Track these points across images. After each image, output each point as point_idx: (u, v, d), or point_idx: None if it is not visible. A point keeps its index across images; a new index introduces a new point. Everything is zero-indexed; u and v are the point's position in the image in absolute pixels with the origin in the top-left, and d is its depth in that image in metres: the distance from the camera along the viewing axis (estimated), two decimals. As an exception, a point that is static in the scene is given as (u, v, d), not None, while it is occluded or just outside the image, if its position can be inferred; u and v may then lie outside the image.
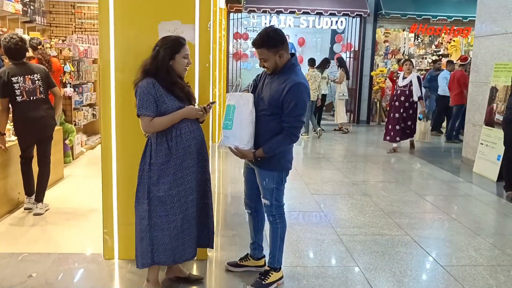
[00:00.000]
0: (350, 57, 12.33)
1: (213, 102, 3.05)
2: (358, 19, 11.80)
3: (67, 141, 6.45)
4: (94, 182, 3.48)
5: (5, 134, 4.28)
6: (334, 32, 12.99)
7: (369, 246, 3.87)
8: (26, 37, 8.46)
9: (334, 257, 3.67)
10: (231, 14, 11.88)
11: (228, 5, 11.30)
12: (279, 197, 3.02)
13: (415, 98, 7.73)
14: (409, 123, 7.92)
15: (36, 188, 4.42)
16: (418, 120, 8.00)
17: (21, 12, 9.91)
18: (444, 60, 12.74)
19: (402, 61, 8.56)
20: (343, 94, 10.33)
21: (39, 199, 4.39)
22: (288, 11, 11.30)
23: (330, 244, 3.91)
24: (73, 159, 6.69)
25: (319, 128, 9.92)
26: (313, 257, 3.66)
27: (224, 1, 10.17)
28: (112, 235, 3.37)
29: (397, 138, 7.94)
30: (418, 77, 7.85)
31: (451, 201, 5.42)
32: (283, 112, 2.80)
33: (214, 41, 7.90)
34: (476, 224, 4.51)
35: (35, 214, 4.31)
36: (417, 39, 13.61)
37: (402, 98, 7.80)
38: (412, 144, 8.37)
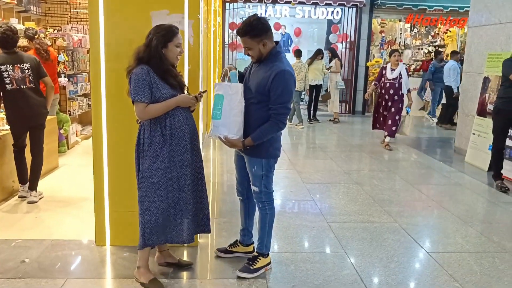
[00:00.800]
0: (346, 48, 12.33)
1: (204, 91, 3.09)
2: (354, 9, 11.79)
3: (62, 131, 6.48)
4: (89, 171, 3.52)
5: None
6: (330, 22, 12.98)
7: (357, 233, 3.94)
8: (21, 27, 8.47)
9: (322, 243, 3.74)
10: (227, 4, 11.85)
11: (224, -5, 11.29)
12: (268, 184, 3.08)
13: (405, 91, 7.39)
14: (397, 117, 7.47)
15: (29, 176, 4.47)
16: (406, 114, 7.57)
17: (15, 2, 9.87)
18: (441, 50, 12.77)
19: (389, 51, 8.19)
20: (339, 84, 10.39)
21: (33, 187, 4.44)
22: (283, 1, 11.29)
23: (319, 231, 3.97)
24: (68, 149, 6.73)
25: (308, 119, 10.35)
26: (302, 244, 3.72)
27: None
28: (103, 222, 3.43)
29: (390, 131, 7.52)
30: (406, 68, 7.65)
31: (442, 190, 5.48)
32: (270, 100, 2.85)
33: (209, 31, 7.91)
34: (465, 212, 4.58)
35: (29, 202, 4.36)
36: (414, 30, 13.61)
37: (391, 91, 7.41)
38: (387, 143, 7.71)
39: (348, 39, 12.24)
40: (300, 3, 11.40)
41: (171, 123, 2.76)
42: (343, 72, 12.35)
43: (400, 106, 7.41)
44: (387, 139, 7.60)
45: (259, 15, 3.01)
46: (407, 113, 7.52)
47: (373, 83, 7.85)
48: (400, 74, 7.31)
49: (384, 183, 5.57)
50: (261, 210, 3.11)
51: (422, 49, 13.38)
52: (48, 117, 5.64)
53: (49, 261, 3.20)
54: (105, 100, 3.24)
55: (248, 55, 2.94)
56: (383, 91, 7.52)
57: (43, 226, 3.89)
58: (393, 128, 7.46)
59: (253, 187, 3.08)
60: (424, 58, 12.80)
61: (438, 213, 4.57)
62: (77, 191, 4.79)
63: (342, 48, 12.37)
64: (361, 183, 5.49)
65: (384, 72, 7.55)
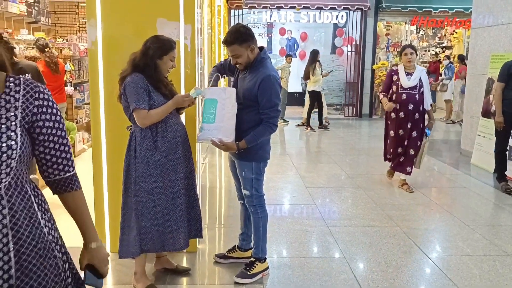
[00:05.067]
0: (351, 51, 12.33)
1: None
2: (359, 12, 11.79)
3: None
4: (93, 178, 3.58)
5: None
6: (335, 26, 13.00)
7: (357, 238, 3.93)
8: (32, 38, 8.64)
9: (321, 248, 3.74)
10: (232, 11, 11.94)
11: (229, 2, 11.36)
12: (258, 187, 3.11)
13: (427, 106, 5.16)
14: (418, 143, 5.23)
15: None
16: (424, 138, 5.25)
17: (25, 13, 10.07)
18: (448, 52, 12.72)
19: (400, 49, 5.66)
20: (323, 88, 10.27)
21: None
22: (288, 6, 11.34)
23: (319, 235, 3.98)
24: (75, 156, 6.82)
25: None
26: (301, 249, 3.72)
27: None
28: (103, 229, 3.47)
29: (408, 168, 5.29)
30: (426, 73, 5.38)
31: (446, 192, 5.44)
32: (258, 104, 2.91)
33: (213, 40, 7.98)
34: (468, 215, 4.55)
35: None
36: (420, 32, 13.56)
37: (411, 106, 5.10)
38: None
39: (353, 43, 12.24)
40: (304, 8, 11.43)
41: (163, 129, 2.80)
42: (349, 75, 12.38)
43: (422, 126, 5.21)
44: (403, 176, 5.43)
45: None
46: (426, 136, 5.25)
47: (381, 95, 5.42)
48: (420, 80, 5.09)
49: (387, 186, 5.54)
50: (253, 214, 3.14)
51: (428, 50, 13.32)
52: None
53: (49, 268, 3.25)
54: (103, 107, 3.30)
55: (236, 63, 2.97)
56: (398, 106, 5.18)
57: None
58: (410, 165, 5.29)
59: (244, 191, 3.11)
60: (431, 60, 12.74)
61: (441, 216, 4.54)
62: (81, 198, 4.85)
63: (347, 51, 12.37)
64: (364, 187, 5.48)
65: (395, 77, 5.22)
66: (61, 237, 1.51)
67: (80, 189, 1.53)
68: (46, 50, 6.19)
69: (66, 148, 1.44)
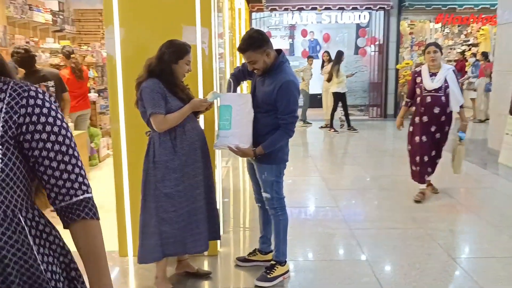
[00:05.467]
0: (375, 51, 12.18)
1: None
2: (382, 12, 11.64)
3: (92, 144, 6.72)
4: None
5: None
6: (358, 27, 12.87)
7: (380, 240, 3.87)
8: (57, 46, 8.88)
9: (343, 250, 3.70)
10: (253, 14, 11.97)
11: (250, 5, 11.40)
12: (279, 189, 3.10)
13: (455, 108, 4.66)
14: (445, 146, 4.93)
15: None
16: (458, 142, 4.85)
17: (51, 22, 10.36)
18: (474, 49, 12.42)
19: (424, 47, 5.21)
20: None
21: None
22: (309, 8, 11.30)
23: (341, 238, 3.94)
24: (99, 162, 6.96)
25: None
26: (323, 251, 3.69)
27: (245, 1, 10.28)
28: (125, 234, 3.53)
29: (426, 176, 4.93)
30: (454, 71, 4.78)
31: (473, 193, 5.31)
32: (276, 109, 2.89)
33: (234, 43, 8.01)
34: (495, 216, 4.41)
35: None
36: (445, 30, 13.28)
37: (436, 110, 4.64)
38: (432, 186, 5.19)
39: (376, 42, 12.09)
40: (326, 8, 11.37)
41: (182, 133, 2.83)
42: (373, 76, 12.23)
43: (447, 130, 4.80)
44: (421, 185, 4.96)
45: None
46: (460, 140, 4.83)
47: (403, 103, 5.17)
48: (446, 80, 4.63)
49: (412, 188, 5.43)
50: (274, 217, 3.13)
51: (454, 49, 13.04)
52: (78, 132, 5.89)
53: (74, 271, 3.32)
54: (123, 113, 3.36)
55: (254, 69, 2.97)
56: (422, 110, 4.73)
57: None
58: (429, 170, 4.89)
59: (264, 194, 3.10)
60: (457, 58, 12.46)
61: (466, 217, 4.43)
62: (106, 202, 4.87)
63: (371, 51, 12.23)
64: (388, 189, 5.39)
65: (418, 79, 4.78)
66: (69, 263, 1.24)
67: (96, 219, 1.19)
68: (72, 56, 6.36)
69: (70, 167, 1.13)
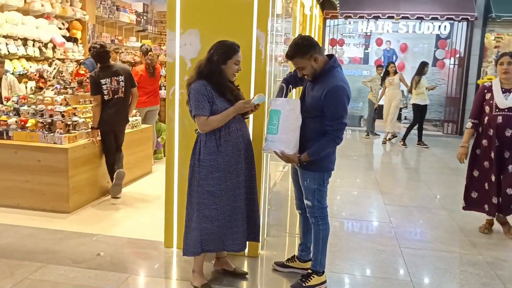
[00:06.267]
0: (454, 64, 11.54)
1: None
2: (465, 23, 11.01)
3: (159, 139, 7.02)
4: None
5: (98, 128, 4.83)
6: (438, 37, 12.29)
7: (430, 262, 3.66)
8: (139, 44, 9.45)
9: (388, 269, 3.53)
10: (327, 21, 11.86)
11: (324, 12, 11.31)
12: (321, 198, 3.03)
13: None
14: None
15: (115, 165, 4.94)
16: None
17: (135, 22, 11.00)
18: None
19: (496, 58, 4.56)
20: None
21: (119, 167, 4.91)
22: (386, 16, 10.96)
23: (388, 255, 3.76)
24: (164, 156, 7.22)
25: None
26: (366, 267, 3.56)
27: (319, 7, 10.22)
28: (172, 226, 3.64)
29: (494, 208, 4.21)
30: None
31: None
32: (324, 114, 2.83)
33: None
34: None
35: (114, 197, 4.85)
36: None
37: (509, 133, 4.05)
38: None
39: (457, 55, 11.45)
40: (403, 18, 10.96)
41: (226, 133, 2.87)
42: (450, 90, 11.60)
43: None
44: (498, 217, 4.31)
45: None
46: None
47: (467, 123, 4.38)
48: None
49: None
50: (314, 226, 3.06)
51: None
52: (145, 126, 6.19)
53: (120, 256, 3.49)
54: (178, 111, 3.48)
55: (303, 76, 2.94)
56: (490, 132, 4.13)
57: (125, 224, 4.24)
58: (496, 201, 4.17)
59: (305, 201, 3.05)
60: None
61: (534, 249, 4.04)
62: (163, 195, 5.13)
63: (449, 64, 11.61)
64: (450, 209, 5.08)
65: (488, 95, 4.17)
66: None
67: None
68: (149, 53, 6.71)
69: None
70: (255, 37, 3.32)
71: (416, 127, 9.37)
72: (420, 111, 9.13)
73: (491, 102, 4.13)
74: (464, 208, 4.48)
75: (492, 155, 4.13)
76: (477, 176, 4.33)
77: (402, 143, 9.21)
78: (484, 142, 4.19)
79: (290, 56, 2.88)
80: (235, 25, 3.33)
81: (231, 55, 2.85)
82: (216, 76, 2.85)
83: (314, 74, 2.89)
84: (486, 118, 4.18)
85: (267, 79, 3.43)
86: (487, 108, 4.18)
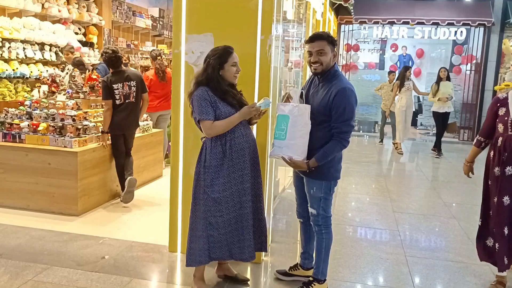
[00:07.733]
0: (471, 70, 11.38)
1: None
2: (482, 28, 10.85)
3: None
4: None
5: (108, 132, 4.90)
6: (454, 43, 12.14)
7: (436, 271, 3.61)
8: (149, 48, 9.49)
9: (391, 277, 3.50)
10: (342, 26, 11.82)
11: (339, 17, 11.28)
12: (326, 207, 3.02)
13: None
14: None
15: (124, 170, 4.99)
16: None
17: (150, 27, 11.14)
18: None
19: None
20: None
21: (127, 176, 4.95)
22: (401, 22, 10.88)
23: (392, 264, 3.73)
24: (175, 160, 7.30)
25: (434, 148, 9.22)
26: (369, 275, 3.53)
27: (333, 13, 10.20)
28: (176, 230, 3.67)
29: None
30: None
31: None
32: (331, 119, 2.83)
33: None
34: None
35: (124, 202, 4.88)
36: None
37: None
38: None
39: (473, 61, 11.29)
40: (419, 23, 10.86)
41: (231, 139, 2.88)
42: (467, 96, 11.44)
43: None
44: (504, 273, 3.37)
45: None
46: None
47: (475, 139, 3.65)
48: None
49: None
50: (317, 234, 3.05)
51: None
52: (156, 130, 6.26)
53: (124, 260, 3.53)
54: (183, 116, 3.52)
55: (315, 62, 2.90)
56: (505, 156, 3.24)
57: (130, 228, 4.29)
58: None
59: (310, 209, 3.04)
60: None
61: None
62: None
63: (466, 70, 11.46)
64: (459, 218, 5.01)
65: (501, 110, 3.29)
66: None
67: None
68: (158, 58, 6.78)
69: None
70: (259, 42, 3.33)
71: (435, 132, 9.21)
72: (438, 118, 8.96)
73: (505, 118, 3.24)
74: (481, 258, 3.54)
75: (506, 185, 3.24)
76: (491, 217, 3.40)
77: (436, 152, 9.02)
78: (497, 170, 3.29)
79: (319, 36, 2.89)
80: (239, 30, 3.35)
81: (227, 58, 2.87)
82: (214, 82, 2.87)
83: (324, 69, 2.89)
84: (500, 138, 3.28)
85: (271, 84, 3.44)
86: (500, 127, 3.27)
